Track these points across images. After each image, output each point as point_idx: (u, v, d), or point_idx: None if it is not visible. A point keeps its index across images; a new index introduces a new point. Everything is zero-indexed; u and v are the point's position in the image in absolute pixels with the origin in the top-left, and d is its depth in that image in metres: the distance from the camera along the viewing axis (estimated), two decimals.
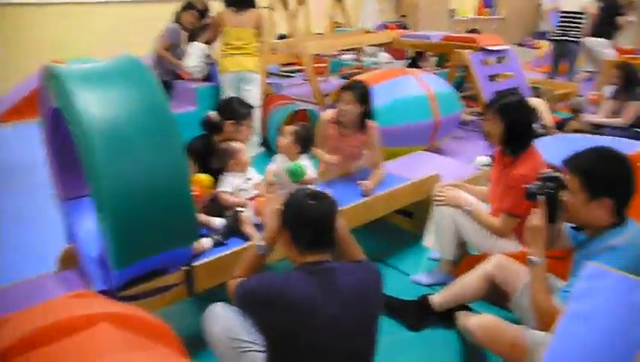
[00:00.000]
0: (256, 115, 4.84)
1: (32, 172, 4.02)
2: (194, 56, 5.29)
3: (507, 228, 2.53)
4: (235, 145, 2.64)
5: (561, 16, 6.79)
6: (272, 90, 5.83)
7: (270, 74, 7.20)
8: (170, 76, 5.41)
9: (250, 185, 2.61)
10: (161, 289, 2.08)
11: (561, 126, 5.22)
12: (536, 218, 1.93)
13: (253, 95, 4.91)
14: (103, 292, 1.96)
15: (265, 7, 5.42)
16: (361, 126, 3.07)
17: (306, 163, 2.75)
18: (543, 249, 1.92)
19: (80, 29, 7.47)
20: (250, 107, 2.90)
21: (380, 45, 7.52)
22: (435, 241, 2.75)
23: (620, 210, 1.84)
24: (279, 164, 2.79)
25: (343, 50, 8.00)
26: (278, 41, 5.81)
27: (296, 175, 2.64)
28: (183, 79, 5.40)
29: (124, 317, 1.26)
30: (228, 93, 4.79)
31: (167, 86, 5.35)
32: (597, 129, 5.00)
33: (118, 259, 1.82)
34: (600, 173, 1.82)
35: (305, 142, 2.78)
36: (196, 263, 2.15)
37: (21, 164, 4.51)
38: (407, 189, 2.99)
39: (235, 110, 2.80)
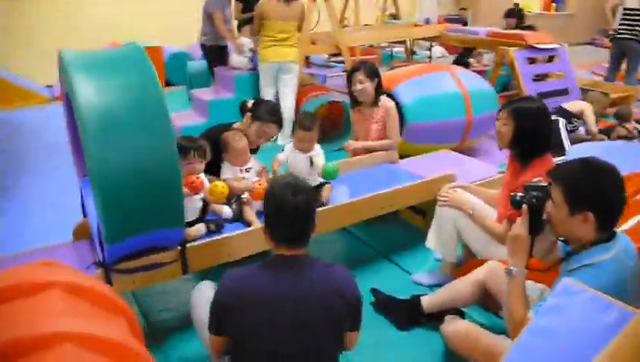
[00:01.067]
0: (290, 104, 4.93)
1: None
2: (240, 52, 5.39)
3: (507, 234, 2.45)
4: (238, 141, 2.61)
5: (625, 13, 6.19)
6: (312, 80, 5.87)
7: (312, 64, 7.23)
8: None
9: (251, 173, 2.66)
10: (155, 265, 2.18)
11: (607, 132, 4.98)
12: (518, 227, 1.87)
13: (291, 84, 5.00)
14: (100, 264, 2.10)
15: None
16: (377, 100, 3.38)
17: (318, 152, 2.81)
18: (523, 259, 1.86)
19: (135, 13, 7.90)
20: (274, 119, 2.83)
21: (433, 39, 7.40)
22: (435, 242, 2.71)
23: (606, 225, 1.73)
24: (288, 153, 2.83)
25: (394, 43, 7.93)
26: (318, 32, 5.84)
27: (330, 175, 2.77)
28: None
29: (80, 287, 1.36)
30: (265, 81, 4.91)
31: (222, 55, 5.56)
32: None
33: (108, 234, 1.93)
34: (583, 185, 1.71)
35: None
36: (189, 245, 2.24)
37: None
38: (417, 187, 2.95)
39: (258, 110, 2.79)
